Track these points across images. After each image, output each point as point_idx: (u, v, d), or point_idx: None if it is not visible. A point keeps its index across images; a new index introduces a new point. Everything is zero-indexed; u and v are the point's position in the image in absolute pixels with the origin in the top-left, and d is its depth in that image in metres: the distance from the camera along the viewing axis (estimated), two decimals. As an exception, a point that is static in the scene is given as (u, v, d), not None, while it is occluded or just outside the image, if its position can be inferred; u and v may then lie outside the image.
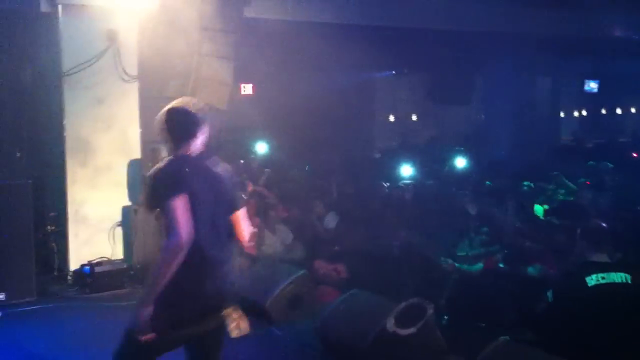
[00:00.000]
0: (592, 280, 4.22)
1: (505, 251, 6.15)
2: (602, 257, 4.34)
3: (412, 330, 4.32)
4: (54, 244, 7.11)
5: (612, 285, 4.19)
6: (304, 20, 9.05)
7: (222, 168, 3.28)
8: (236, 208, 3.31)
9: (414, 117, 15.67)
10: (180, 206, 2.95)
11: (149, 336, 2.97)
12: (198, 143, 3.20)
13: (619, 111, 17.08)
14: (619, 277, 4.23)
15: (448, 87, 13.39)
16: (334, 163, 10.65)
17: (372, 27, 10.02)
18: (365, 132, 14.85)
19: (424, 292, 5.77)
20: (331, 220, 7.79)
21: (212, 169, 3.22)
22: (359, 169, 10.43)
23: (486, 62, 12.16)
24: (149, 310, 2.96)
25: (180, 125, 3.19)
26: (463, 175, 9.30)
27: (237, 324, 3.25)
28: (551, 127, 12.86)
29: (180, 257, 2.93)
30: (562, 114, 15.31)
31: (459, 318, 5.57)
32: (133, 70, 7.11)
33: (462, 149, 12.36)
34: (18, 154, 7.28)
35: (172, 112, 3.22)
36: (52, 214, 7.21)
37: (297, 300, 5.82)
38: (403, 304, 4.52)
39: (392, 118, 15.29)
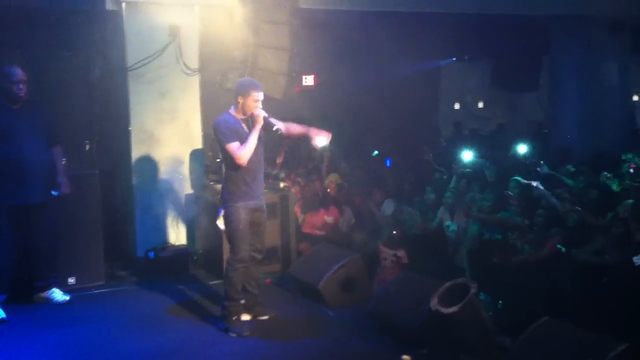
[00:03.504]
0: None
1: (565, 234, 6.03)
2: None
3: (454, 309, 4.33)
4: (121, 231, 7.51)
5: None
6: (363, 10, 9.06)
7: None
8: None
9: (481, 105, 15.42)
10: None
11: None
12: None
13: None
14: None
15: (514, 73, 13.11)
16: (395, 153, 10.65)
17: (434, 14, 9.90)
18: (431, 121, 14.73)
19: (481, 276, 5.81)
20: (388, 207, 7.84)
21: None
22: (422, 158, 10.37)
23: (553, 46, 11.82)
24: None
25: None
26: (524, 162, 9.12)
27: None
28: (624, 112, 12.35)
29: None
30: (636, 98, 14.70)
31: (517, 302, 5.54)
32: (194, 64, 7.32)
33: (527, 136, 12.11)
34: (87, 146, 7.68)
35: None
36: (119, 202, 7.58)
37: (350, 283, 5.92)
38: (447, 284, 4.54)
39: (457, 106, 15.09)
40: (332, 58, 11.68)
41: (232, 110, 5.36)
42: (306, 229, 7.72)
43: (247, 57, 7.30)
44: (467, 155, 8.59)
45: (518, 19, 10.37)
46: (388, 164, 10.11)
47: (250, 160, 5.25)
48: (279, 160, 9.20)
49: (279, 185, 7.36)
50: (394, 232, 6.82)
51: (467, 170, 8.36)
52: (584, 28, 10.87)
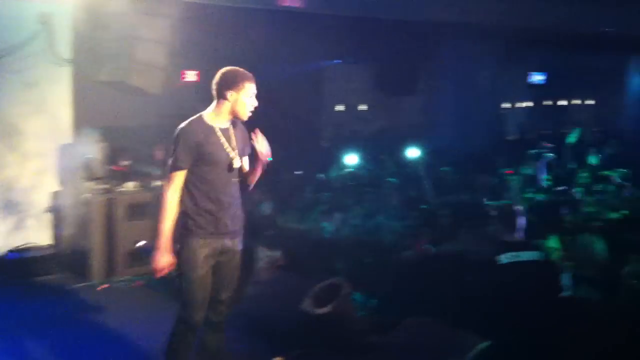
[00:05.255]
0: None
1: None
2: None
3: (326, 309, 4.35)
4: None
5: (523, 263, 4.32)
6: (249, 7, 8.96)
7: None
8: None
9: (364, 107, 15.72)
10: None
11: None
12: None
13: (564, 103, 17.39)
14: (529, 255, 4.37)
15: (394, 77, 13.45)
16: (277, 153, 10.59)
17: (318, 15, 9.96)
18: (314, 122, 14.82)
19: (356, 276, 5.88)
20: (266, 208, 7.80)
21: None
22: (305, 158, 10.43)
23: (432, 52, 12.25)
24: None
25: None
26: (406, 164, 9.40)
27: None
28: (496, 118, 13.04)
29: None
30: (508, 105, 15.55)
31: (389, 301, 5.65)
32: (66, 54, 6.98)
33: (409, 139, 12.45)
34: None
35: None
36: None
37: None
38: (321, 284, 4.55)
39: (341, 108, 15.33)
40: (217, 55, 11.47)
41: (209, 112, 3.86)
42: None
43: (124, 48, 7.03)
44: (352, 159, 8.72)
45: (399, 24, 10.65)
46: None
47: (215, 180, 3.82)
48: (157, 157, 8.90)
49: (153, 183, 7.11)
50: (272, 232, 6.79)
51: (348, 171, 8.50)
52: (460, 36, 11.33)
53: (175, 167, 3.75)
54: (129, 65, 6.86)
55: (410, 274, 5.81)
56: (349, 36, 11.52)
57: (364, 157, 9.57)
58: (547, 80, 15.69)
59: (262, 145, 3.87)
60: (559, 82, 15.71)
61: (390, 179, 7.48)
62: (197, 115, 3.86)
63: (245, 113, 3.85)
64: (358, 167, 9.10)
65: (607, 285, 4.60)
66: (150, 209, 6.77)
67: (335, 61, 14.47)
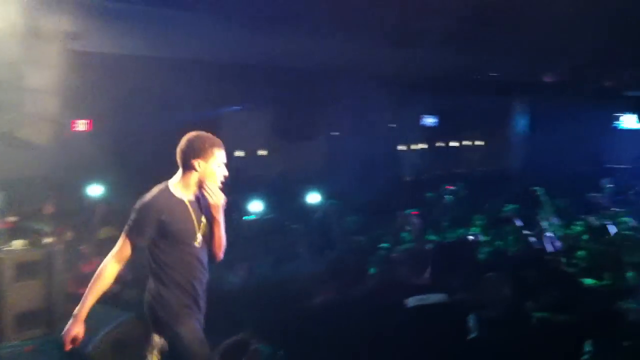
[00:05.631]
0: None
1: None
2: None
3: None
4: None
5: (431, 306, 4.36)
6: (141, 55, 8.77)
7: None
8: None
9: (263, 153, 15.73)
10: None
11: None
12: None
13: (455, 144, 18.11)
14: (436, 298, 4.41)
15: (294, 122, 13.56)
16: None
17: (217, 62, 9.92)
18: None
19: (265, 327, 5.72)
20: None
21: None
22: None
23: (331, 97, 12.45)
24: None
25: None
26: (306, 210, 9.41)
27: None
28: (392, 161, 13.38)
29: None
30: (403, 148, 16.03)
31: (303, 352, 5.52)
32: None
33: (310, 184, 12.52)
34: None
35: None
36: None
37: (122, 346, 5.49)
38: (227, 341, 4.38)
39: (241, 154, 15.27)
40: (111, 103, 11.15)
41: (175, 182, 3.57)
42: (76, 288, 7.10)
43: (11, 99, 6.66)
44: (256, 206, 8.64)
45: (297, 70, 10.77)
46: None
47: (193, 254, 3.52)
48: (47, 211, 8.43)
49: (43, 240, 6.69)
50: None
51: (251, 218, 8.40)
52: (357, 81, 11.59)
53: (130, 235, 3.47)
54: (16, 117, 6.49)
55: (318, 322, 5.73)
56: (247, 83, 11.53)
57: (266, 204, 9.50)
58: (440, 122, 16.36)
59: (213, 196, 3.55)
60: (450, 124, 16.40)
61: (293, 225, 7.43)
62: (162, 184, 3.54)
63: (215, 183, 3.54)
64: (261, 214, 9.01)
65: (512, 325, 4.69)
66: (40, 269, 6.36)
67: (234, 108, 14.44)
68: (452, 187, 9.84)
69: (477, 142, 18.32)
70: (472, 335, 4.60)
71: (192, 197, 3.55)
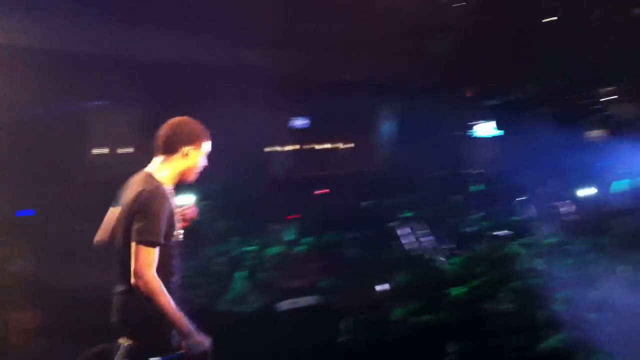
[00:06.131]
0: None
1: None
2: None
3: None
4: None
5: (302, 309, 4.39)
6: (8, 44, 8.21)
7: None
8: None
9: (130, 150, 15.20)
10: None
11: None
12: None
13: (328, 146, 18.43)
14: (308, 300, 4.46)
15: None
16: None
17: (85, 54, 9.46)
18: (78, 166, 13.90)
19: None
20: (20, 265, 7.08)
21: None
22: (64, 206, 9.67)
23: (202, 96, 12.21)
24: None
25: None
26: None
27: None
28: (263, 162, 13.38)
29: None
30: (273, 149, 16.09)
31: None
32: None
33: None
34: None
35: None
36: None
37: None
38: (91, 350, 4.17)
39: (106, 150, 14.66)
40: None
41: (158, 171, 3.28)
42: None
43: None
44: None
45: (166, 65, 10.48)
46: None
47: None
48: None
49: None
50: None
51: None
52: (229, 80, 11.48)
53: (158, 243, 3.04)
54: None
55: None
56: (114, 77, 11.06)
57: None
58: (311, 124, 16.55)
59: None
60: (321, 126, 16.64)
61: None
62: (146, 174, 3.20)
63: (195, 175, 3.33)
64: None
65: (382, 327, 4.81)
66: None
67: (98, 102, 13.82)
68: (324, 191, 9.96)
69: (343, 145, 18.75)
70: (343, 338, 4.67)
71: (172, 187, 3.29)
